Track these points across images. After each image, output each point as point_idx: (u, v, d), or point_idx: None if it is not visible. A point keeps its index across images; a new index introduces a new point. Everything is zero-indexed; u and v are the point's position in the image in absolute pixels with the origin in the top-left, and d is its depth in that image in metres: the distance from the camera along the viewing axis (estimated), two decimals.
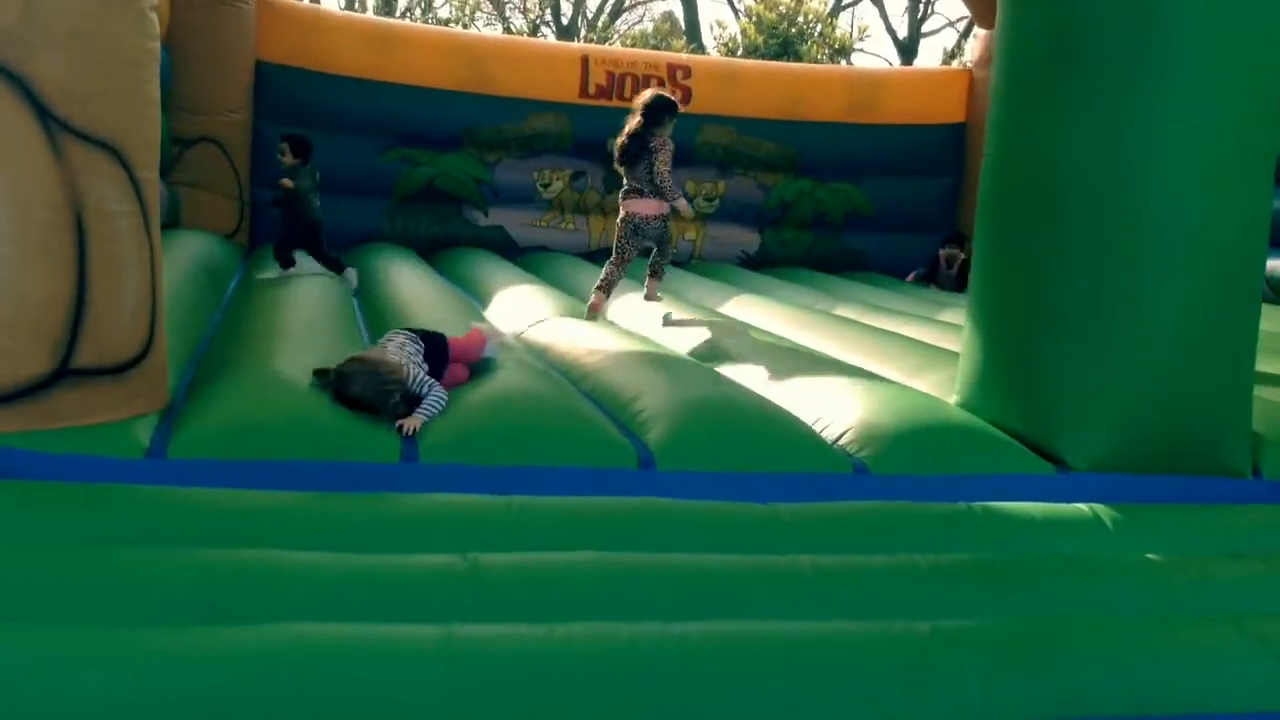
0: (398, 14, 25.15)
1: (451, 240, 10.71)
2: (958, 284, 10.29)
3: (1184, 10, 4.04)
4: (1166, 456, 4.32)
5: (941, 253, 10.65)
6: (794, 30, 18.20)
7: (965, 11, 19.28)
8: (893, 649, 2.92)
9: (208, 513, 3.37)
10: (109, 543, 3.14)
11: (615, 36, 30.49)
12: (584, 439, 4.05)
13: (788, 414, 4.51)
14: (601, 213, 11.25)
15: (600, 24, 31.27)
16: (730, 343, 6.02)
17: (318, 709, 2.52)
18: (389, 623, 2.78)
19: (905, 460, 4.20)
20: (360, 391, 4.02)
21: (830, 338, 6.44)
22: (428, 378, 4.20)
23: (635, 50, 14.58)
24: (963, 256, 10.36)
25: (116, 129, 3.69)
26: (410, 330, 4.68)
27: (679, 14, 30.89)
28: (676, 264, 10.93)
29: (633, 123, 6.57)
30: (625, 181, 6.70)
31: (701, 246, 11.44)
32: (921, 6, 28.95)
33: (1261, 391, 4.74)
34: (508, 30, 30.04)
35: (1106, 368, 4.29)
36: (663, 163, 6.49)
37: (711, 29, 24.44)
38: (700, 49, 24.10)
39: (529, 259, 10.30)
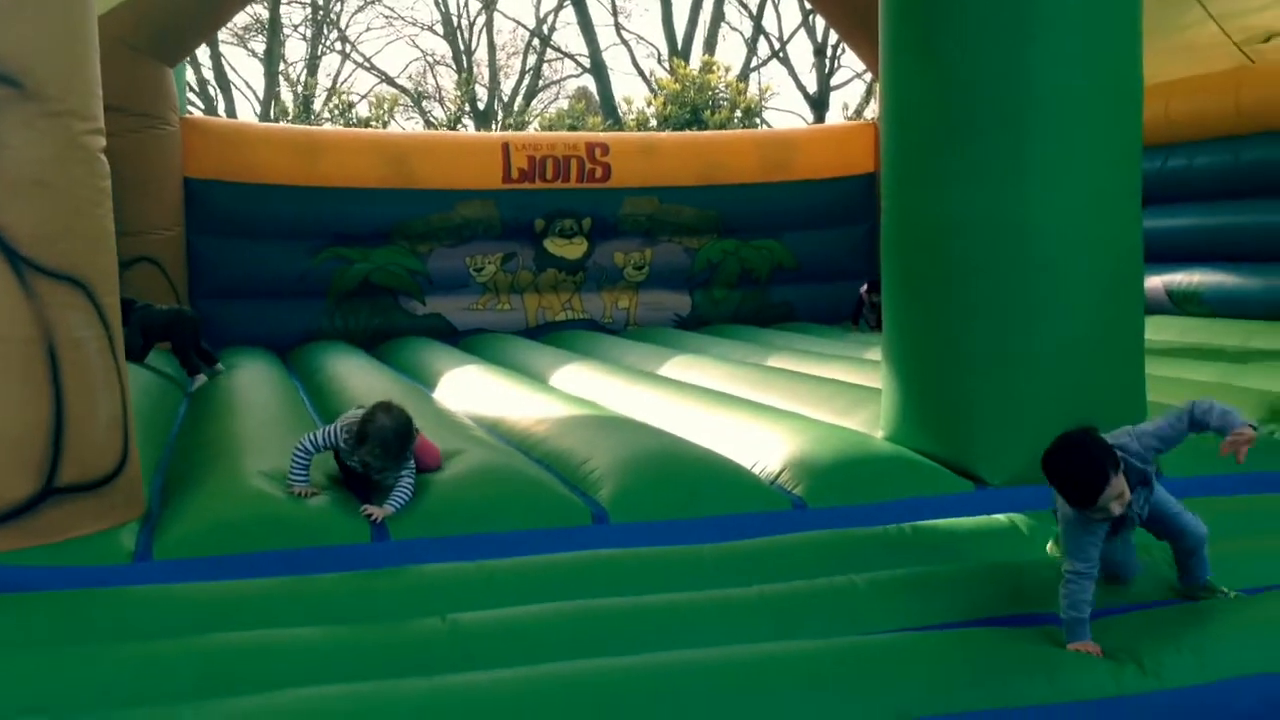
0: (314, 115, 25.52)
1: (392, 331, 10.99)
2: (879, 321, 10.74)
3: (1046, 79, 4.51)
4: None
5: (863, 292, 11.03)
6: (701, 98, 18.85)
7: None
8: (839, 661, 3.23)
9: (199, 604, 3.61)
10: (109, 639, 3.38)
11: (533, 119, 31.13)
12: (541, 503, 4.36)
13: (726, 459, 4.85)
14: (535, 290, 11.61)
15: (516, 106, 31.92)
16: (668, 400, 6.37)
17: None
18: (381, 679, 3.05)
19: (838, 492, 4.55)
20: (381, 437, 4.20)
21: (765, 388, 6.80)
22: (409, 461, 4.39)
23: (553, 133, 15.06)
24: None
25: (79, 263, 3.98)
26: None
27: (592, 89, 31.66)
28: (613, 331, 11.31)
29: None
30: None
31: (635, 313, 11.83)
32: (828, 62, 29.93)
33: (1156, 396, 5.16)
34: (428, 124, 30.56)
35: (1012, 394, 4.69)
36: None
37: (619, 106, 25.04)
38: (617, 124, 24.76)
39: (469, 341, 10.62)
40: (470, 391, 7.25)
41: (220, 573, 3.85)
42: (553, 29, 33.81)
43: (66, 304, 3.91)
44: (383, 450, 4.26)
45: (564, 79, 34.85)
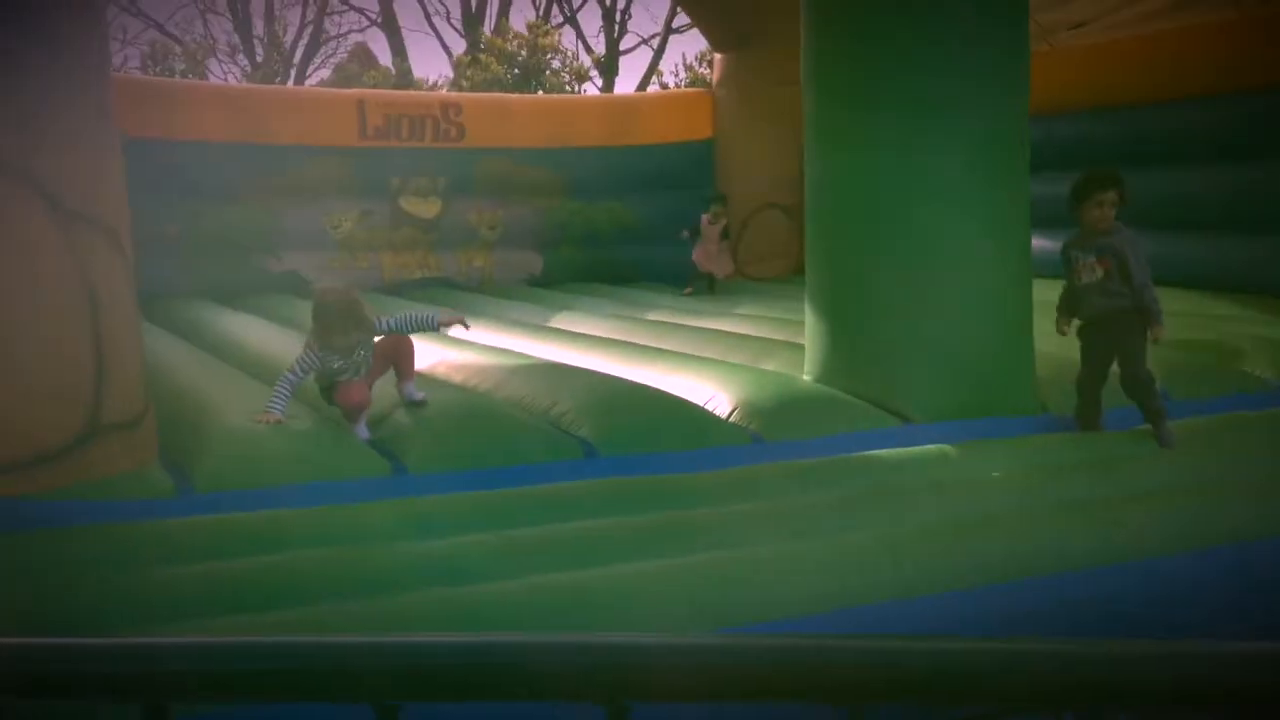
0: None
1: (246, 288, 10.89)
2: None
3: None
4: (979, 405, 5.47)
5: (704, 216, 11.47)
6: (533, 60, 19.13)
7: (657, 29, 20.75)
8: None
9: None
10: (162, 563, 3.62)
11: (312, 70, 30.48)
12: (537, 439, 4.78)
13: (687, 400, 5.36)
14: (392, 249, 11.73)
15: (296, 61, 31.04)
16: (583, 350, 6.81)
17: None
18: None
19: (789, 427, 5.14)
20: (331, 313, 4.71)
21: (667, 339, 7.33)
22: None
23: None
24: (725, 221, 11.38)
25: (110, 214, 4.13)
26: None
27: (373, 46, 31.26)
28: (469, 290, 11.57)
29: None
30: None
31: (490, 272, 12.12)
32: (617, 26, 30.47)
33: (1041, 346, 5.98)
34: (201, 77, 29.38)
35: (925, 344, 5.41)
36: None
37: (455, 65, 24.89)
38: (410, 82, 24.60)
39: None
40: None
41: (257, 504, 4.11)
42: None
43: (101, 249, 4.05)
44: (346, 321, 4.72)
45: (347, 33, 34.06)
